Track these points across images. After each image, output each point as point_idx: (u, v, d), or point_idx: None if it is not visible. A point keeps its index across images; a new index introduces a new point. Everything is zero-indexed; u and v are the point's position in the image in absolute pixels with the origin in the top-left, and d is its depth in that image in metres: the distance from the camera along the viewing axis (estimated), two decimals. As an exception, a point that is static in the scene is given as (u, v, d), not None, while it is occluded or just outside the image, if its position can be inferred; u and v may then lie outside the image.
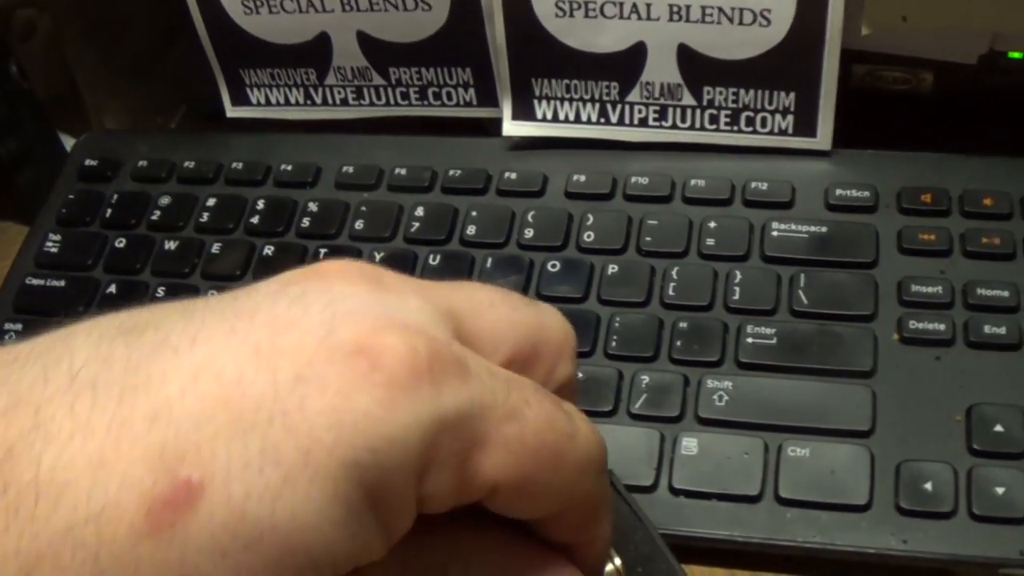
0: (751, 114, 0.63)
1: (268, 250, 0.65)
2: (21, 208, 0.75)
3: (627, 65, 0.63)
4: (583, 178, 0.64)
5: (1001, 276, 0.57)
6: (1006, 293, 0.56)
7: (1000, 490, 0.50)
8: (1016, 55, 0.61)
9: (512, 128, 0.67)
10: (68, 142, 0.78)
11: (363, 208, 0.66)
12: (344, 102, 0.70)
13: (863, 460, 0.52)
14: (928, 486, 0.51)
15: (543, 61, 0.64)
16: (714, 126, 0.64)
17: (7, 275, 0.68)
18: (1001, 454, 0.51)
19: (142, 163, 0.71)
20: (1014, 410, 0.52)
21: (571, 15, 0.62)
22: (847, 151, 0.64)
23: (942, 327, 0.55)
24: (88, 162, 0.72)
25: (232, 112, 0.73)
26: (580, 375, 0.56)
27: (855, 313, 0.57)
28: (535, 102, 0.66)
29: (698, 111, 0.64)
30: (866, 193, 0.61)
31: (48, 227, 0.69)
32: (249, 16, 0.67)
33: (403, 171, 0.67)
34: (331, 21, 0.67)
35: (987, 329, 0.55)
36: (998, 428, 0.52)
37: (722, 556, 0.53)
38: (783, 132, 0.63)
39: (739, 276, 0.59)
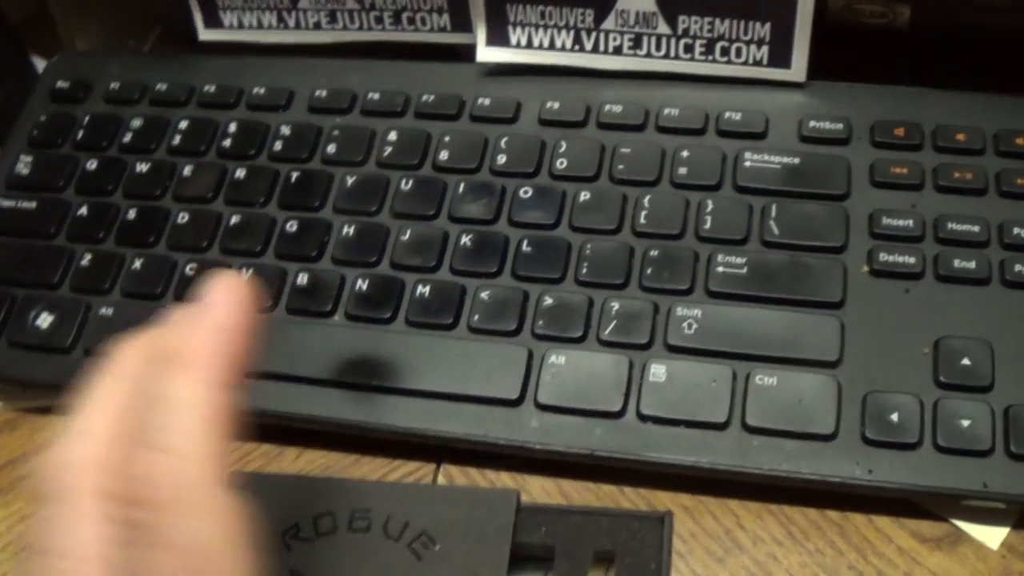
0: (726, 44, 0.63)
1: (240, 173, 0.65)
2: (-9, 129, 0.74)
3: (602, -8, 0.63)
4: (556, 105, 0.64)
5: (972, 211, 0.57)
6: (976, 228, 0.56)
7: (965, 423, 0.50)
8: (992, -9, 0.61)
9: (486, 54, 0.66)
10: (39, 64, 0.77)
11: (335, 132, 0.65)
12: (317, 26, 0.70)
13: (830, 390, 0.52)
14: (894, 417, 0.51)
15: (518, -13, 0.64)
16: (688, 55, 0.64)
17: (-23, 196, 0.67)
18: (967, 387, 0.52)
19: (114, 85, 0.71)
20: (981, 344, 0.53)
21: (546, -60, 0.61)
22: (821, 83, 0.63)
23: (912, 260, 0.56)
24: (60, 84, 0.72)
25: (204, 35, 0.72)
26: (551, 300, 0.56)
27: (826, 244, 0.57)
28: (509, 28, 0.65)
29: (673, 40, 0.63)
30: (839, 126, 0.61)
31: (19, 148, 0.69)
32: (222, -63, 0.67)
33: (376, 96, 0.67)
34: (305, -57, 0.66)
35: (957, 263, 0.55)
36: (965, 361, 0.52)
37: (688, 483, 0.53)
38: (758, 63, 0.63)
39: (711, 205, 0.59)
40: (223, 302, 0.39)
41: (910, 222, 0.57)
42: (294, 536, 0.40)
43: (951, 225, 0.56)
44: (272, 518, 0.40)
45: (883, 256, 0.56)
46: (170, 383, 0.37)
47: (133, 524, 0.34)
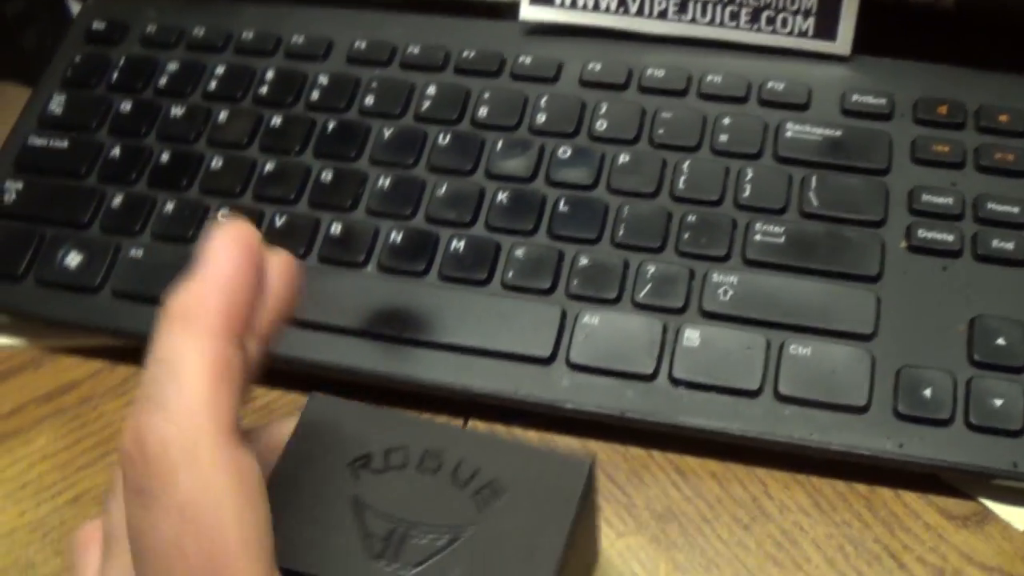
0: (772, 13, 0.62)
1: (276, 120, 0.64)
2: (24, 69, 0.74)
3: (650, -45, 0.62)
4: (598, 67, 0.64)
5: (1012, 192, 0.57)
6: (1016, 209, 0.56)
7: (998, 402, 0.50)
8: (1041, -26, 0.60)
9: (530, 13, 0.66)
10: (74, 6, 0.77)
11: (374, 84, 0.65)
12: (360, -24, 0.69)
13: (864, 362, 0.52)
14: (927, 392, 0.51)
15: (565, -55, 0.63)
16: (734, 23, 0.63)
17: (9, 133, 0.67)
18: (1001, 367, 0.51)
19: (151, 28, 0.71)
20: (1017, 324, 0.52)
21: (598, -101, 0.61)
22: (866, 58, 0.63)
23: (950, 238, 0.55)
24: (96, 25, 0.72)
25: (245, -18, 0.72)
26: (586, 261, 0.56)
27: (865, 218, 0.56)
28: (554, -12, 0.65)
29: (719, 6, 0.63)
30: (882, 101, 0.61)
31: (53, 88, 0.69)
32: None
33: (416, 49, 0.66)
34: None
35: (995, 243, 0.55)
36: (1000, 341, 0.52)
37: (717, 448, 0.53)
38: (803, 34, 0.63)
39: (751, 174, 0.58)
40: (219, 254, 0.38)
41: (950, 200, 0.56)
42: (363, 465, 0.40)
43: (991, 205, 0.56)
44: (346, 444, 0.40)
45: (921, 232, 0.56)
46: (171, 342, 0.36)
47: (140, 489, 0.33)
